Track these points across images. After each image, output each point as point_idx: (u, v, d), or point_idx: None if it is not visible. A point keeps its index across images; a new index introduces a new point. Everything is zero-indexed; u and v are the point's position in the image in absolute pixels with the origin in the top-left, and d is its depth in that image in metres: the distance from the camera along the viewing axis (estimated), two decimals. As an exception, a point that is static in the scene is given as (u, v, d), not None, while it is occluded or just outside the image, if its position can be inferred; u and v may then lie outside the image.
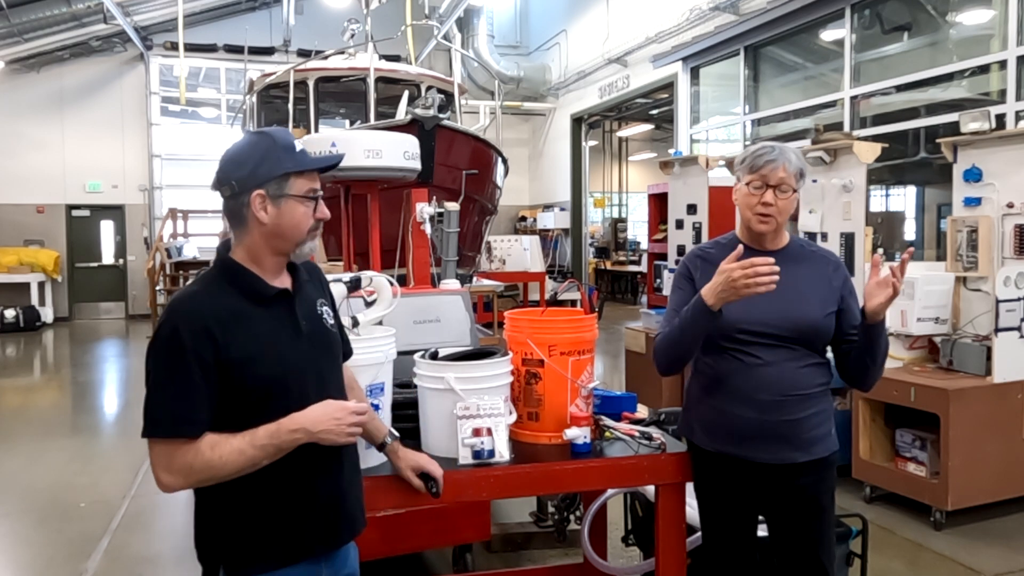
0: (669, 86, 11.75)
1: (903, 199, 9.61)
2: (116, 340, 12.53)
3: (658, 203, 7.99)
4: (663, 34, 11.33)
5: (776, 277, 1.99)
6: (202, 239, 13.53)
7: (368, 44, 7.22)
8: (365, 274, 2.58)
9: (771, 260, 2.01)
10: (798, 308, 2.18)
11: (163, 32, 14.63)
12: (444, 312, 3.19)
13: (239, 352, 1.61)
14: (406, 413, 2.40)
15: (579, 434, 2.31)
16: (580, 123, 15.35)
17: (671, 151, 9.38)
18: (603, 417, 2.49)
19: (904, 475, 4.41)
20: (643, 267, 13.67)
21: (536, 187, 17.33)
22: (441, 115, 5.95)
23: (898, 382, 4.34)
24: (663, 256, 7.36)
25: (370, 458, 2.12)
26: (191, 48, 14.31)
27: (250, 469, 1.61)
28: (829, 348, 2.30)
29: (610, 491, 2.92)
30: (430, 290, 3.68)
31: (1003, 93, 6.56)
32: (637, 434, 2.41)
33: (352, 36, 8.09)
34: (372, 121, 6.81)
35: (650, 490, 2.63)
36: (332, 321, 1.85)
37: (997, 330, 4.22)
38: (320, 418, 1.64)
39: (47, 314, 14.03)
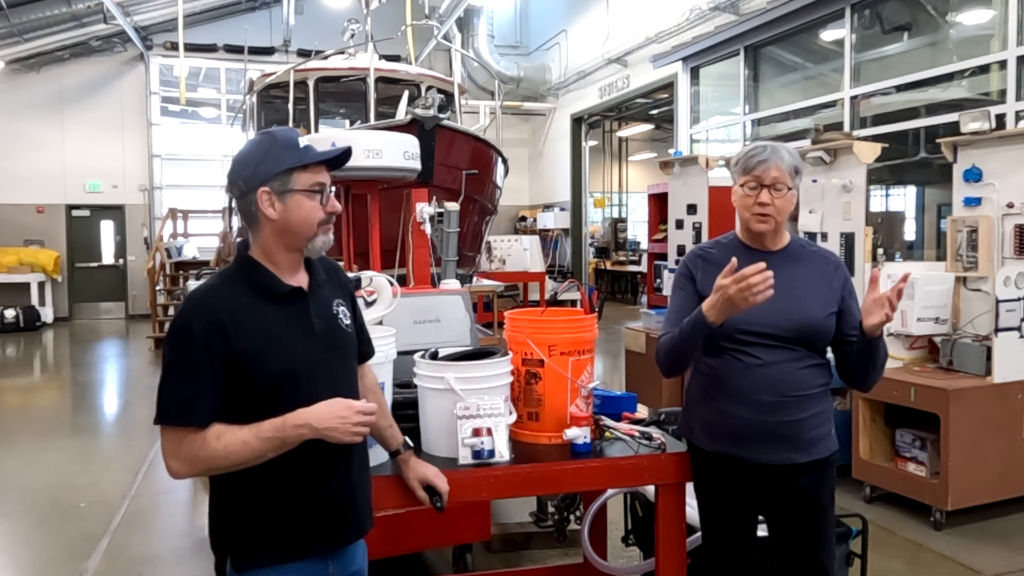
0: (669, 86, 11.75)
1: (903, 199, 9.61)
2: (116, 340, 12.53)
3: (658, 203, 8.00)
4: (663, 34, 11.33)
5: (771, 280, 1.99)
6: (202, 239, 13.54)
7: (368, 44, 7.22)
8: (365, 274, 2.59)
9: (761, 265, 1.99)
10: (798, 309, 2.18)
11: (163, 32, 14.64)
12: (444, 312, 3.19)
13: (249, 346, 1.64)
14: (406, 413, 2.39)
15: (579, 434, 2.31)
16: (580, 123, 15.35)
17: (671, 151, 9.38)
18: (603, 417, 2.49)
19: (904, 475, 4.41)
20: (643, 267, 13.67)
21: (536, 187, 17.34)
22: (441, 115, 5.95)
23: (898, 382, 4.34)
24: (663, 256, 7.36)
25: (372, 457, 2.12)
26: (191, 48, 14.31)
27: (255, 461, 1.64)
28: (829, 348, 2.30)
29: (610, 491, 2.92)
30: (430, 290, 3.68)
31: (1003, 93, 6.56)
32: (637, 434, 2.41)
33: (352, 36, 8.09)
34: (372, 121, 6.81)
35: (650, 490, 2.63)
36: (348, 321, 1.86)
37: (997, 330, 4.22)
38: (325, 415, 1.66)
39: (47, 314, 14.03)
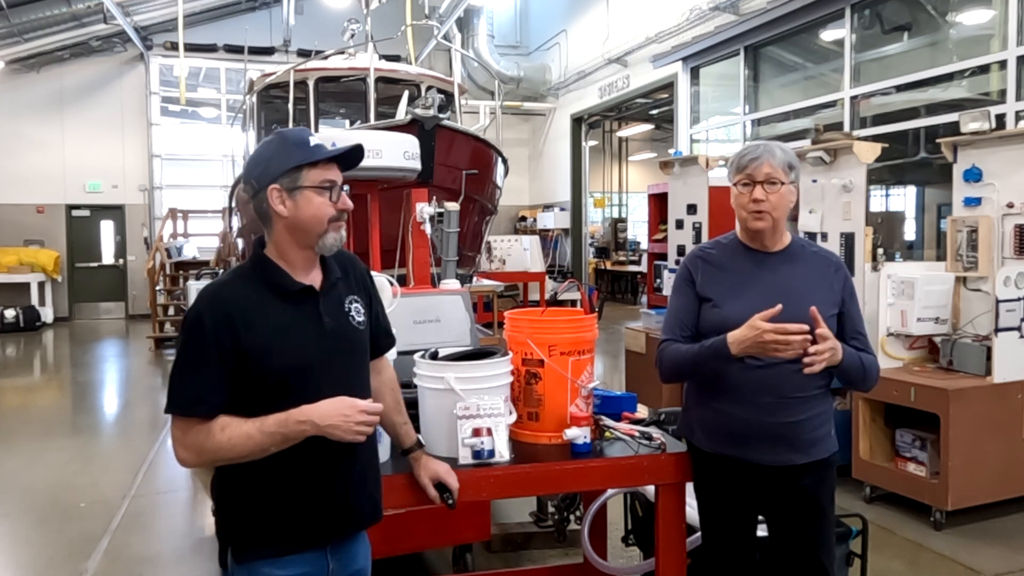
0: (669, 86, 11.75)
1: (903, 199, 9.60)
2: (116, 340, 12.53)
3: (658, 203, 7.99)
4: (663, 34, 11.33)
5: (807, 346, 2.03)
6: (202, 239, 13.54)
7: (368, 44, 7.21)
8: (365, 274, 2.58)
9: (804, 327, 2.02)
10: (799, 309, 2.16)
11: (163, 32, 14.64)
12: (444, 312, 3.19)
13: (258, 342, 1.68)
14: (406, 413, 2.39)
15: (579, 434, 2.31)
16: (580, 123, 15.35)
17: (671, 151, 9.37)
18: (603, 417, 2.49)
19: (904, 475, 4.41)
20: (643, 267, 13.67)
21: (536, 187, 17.34)
22: (441, 115, 5.94)
23: (898, 382, 4.34)
24: (663, 256, 7.35)
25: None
26: (191, 48, 14.31)
27: (259, 454, 1.67)
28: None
29: (610, 491, 2.92)
30: (430, 290, 3.68)
31: (1003, 93, 6.56)
32: (637, 434, 2.41)
33: (352, 36, 8.08)
34: (372, 121, 6.81)
35: (650, 490, 2.63)
36: (361, 319, 1.87)
37: (997, 330, 4.22)
38: (329, 412, 1.68)
39: (47, 314, 14.04)
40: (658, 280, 7.64)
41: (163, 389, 6.50)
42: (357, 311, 1.86)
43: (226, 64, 15.36)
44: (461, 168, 6.12)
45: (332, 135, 3.80)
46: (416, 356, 2.38)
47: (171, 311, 12.30)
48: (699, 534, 2.46)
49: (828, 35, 8.81)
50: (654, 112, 15.25)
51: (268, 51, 15.34)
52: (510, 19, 16.68)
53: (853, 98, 8.15)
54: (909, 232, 9.05)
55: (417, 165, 4.02)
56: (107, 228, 15.28)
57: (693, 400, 2.36)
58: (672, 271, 6.66)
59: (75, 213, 14.97)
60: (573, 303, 11.44)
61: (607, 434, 2.44)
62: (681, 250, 6.73)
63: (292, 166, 1.72)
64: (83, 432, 6.80)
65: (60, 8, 12.76)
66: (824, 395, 2.26)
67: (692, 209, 6.68)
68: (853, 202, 4.91)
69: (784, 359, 2.12)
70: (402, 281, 3.78)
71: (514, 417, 2.37)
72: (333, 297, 1.82)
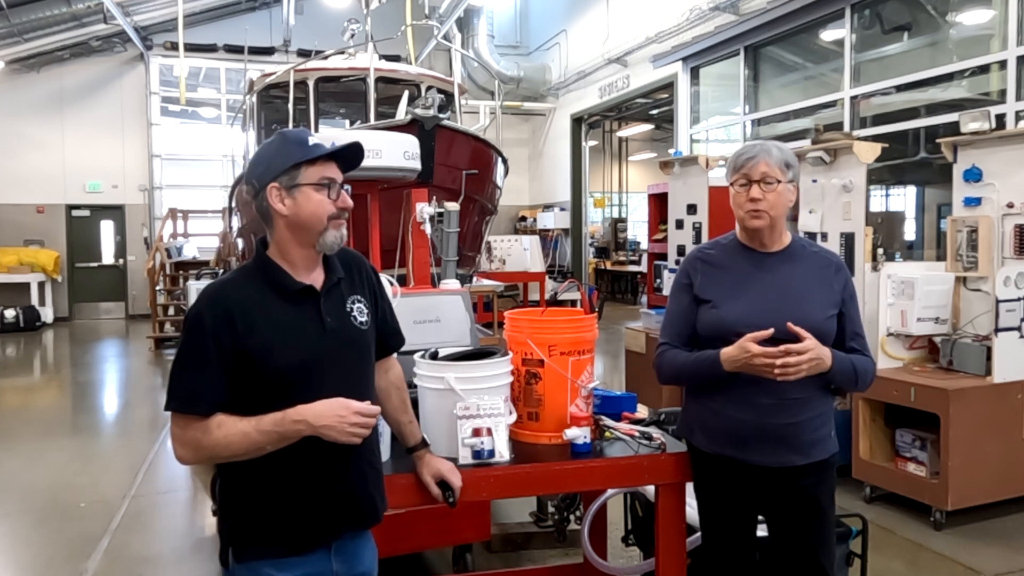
0: (669, 86, 11.75)
1: (903, 199, 9.60)
2: (116, 340, 12.53)
3: (658, 203, 7.99)
4: (663, 34, 11.33)
5: (801, 373, 2.06)
6: (202, 239, 13.54)
7: (368, 44, 7.21)
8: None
9: (807, 348, 2.06)
10: (799, 310, 2.16)
11: (163, 32, 14.64)
12: (444, 312, 3.18)
13: (257, 341, 1.69)
14: (406, 413, 2.39)
15: (579, 434, 2.31)
16: (580, 123, 15.35)
17: (671, 151, 9.37)
18: (603, 417, 2.50)
19: (904, 475, 4.41)
20: (643, 267, 13.67)
21: (536, 187, 17.34)
22: (441, 115, 5.94)
23: (898, 382, 4.34)
24: (663, 256, 7.35)
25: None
26: (191, 48, 14.31)
27: (256, 453, 1.68)
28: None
29: (610, 491, 2.92)
30: (430, 290, 3.68)
31: (1003, 93, 6.56)
32: (637, 434, 2.41)
33: (352, 36, 8.07)
34: (372, 121, 6.80)
35: (650, 490, 2.63)
36: (364, 319, 1.86)
37: (997, 330, 4.22)
38: (324, 413, 1.68)
39: (47, 314, 14.04)
40: (658, 280, 7.64)
41: (163, 389, 6.49)
42: (360, 311, 1.86)
43: (226, 64, 15.36)
44: (461, 168, 6.12)
45: (332, 135, 3.79)
46: (416, 356, 2.38)
47: (171, 311, 12.31)
48: (699, 534, 2.46)
49: (828, 35, 8.81)
50: (654, 112, 15.25)
51: (268, 51, 15.34)
52: (510, 19, 16.68)
53: (853, 98, 8.15)
54: (909, 232, 9.06)
55: (417, 165, 4.01)
56: (107, 228, 15.28)
57: (692, 401, 2.36)
58: (672, 271, 6.66)
59: (75, 213, 14.97)
60: (573, 303, 11.44)
61: (607, 434, 2.44)
62: (681, 250, 6.73)
63: (290, 164, 1.73)
64: (83, 432, 6.80)
65: (60, 8, 12.76)
66: (824, 396, 2.25)
67: (692, 209, 6.68)
68: (853, 202, 4.91)
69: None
70: (402, 281, 3.78)
71: (514, 417, 2.37)
72: (335, 297, 1.82)
